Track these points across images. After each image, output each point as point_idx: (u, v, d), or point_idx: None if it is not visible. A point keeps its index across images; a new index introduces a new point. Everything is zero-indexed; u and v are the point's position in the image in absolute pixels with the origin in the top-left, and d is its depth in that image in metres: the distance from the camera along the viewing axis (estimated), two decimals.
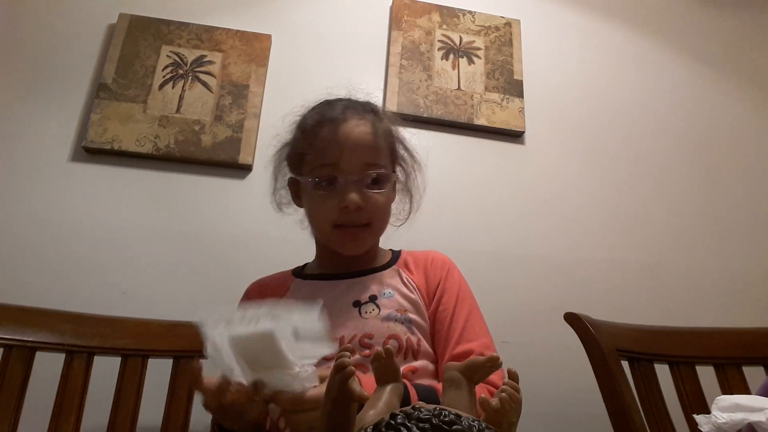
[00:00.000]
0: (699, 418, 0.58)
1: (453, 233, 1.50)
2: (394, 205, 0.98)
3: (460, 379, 0.50)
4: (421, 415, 0.39)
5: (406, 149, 0.99)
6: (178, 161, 1.45)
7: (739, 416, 0.55)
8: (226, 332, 0.62)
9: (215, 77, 1.53)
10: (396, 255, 0.99)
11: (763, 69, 1.90)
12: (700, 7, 1.95)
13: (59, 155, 1.42)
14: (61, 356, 0.98)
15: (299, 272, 0.99)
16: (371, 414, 0.47)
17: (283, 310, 0.64)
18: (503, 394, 0.46)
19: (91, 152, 1.42)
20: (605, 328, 1.00)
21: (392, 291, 0.89)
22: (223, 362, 0.61)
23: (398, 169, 0.98)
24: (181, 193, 1.43)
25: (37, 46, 1.52)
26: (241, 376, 0.62)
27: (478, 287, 1.45)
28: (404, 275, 0.93)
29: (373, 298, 0.87)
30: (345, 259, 0.93)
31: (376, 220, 0.91)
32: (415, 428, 0.38)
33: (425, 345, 0.85)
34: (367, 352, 0.80)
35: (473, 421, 0.39)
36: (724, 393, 0.99)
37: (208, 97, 1.51)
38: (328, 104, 0.95)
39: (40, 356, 0.97)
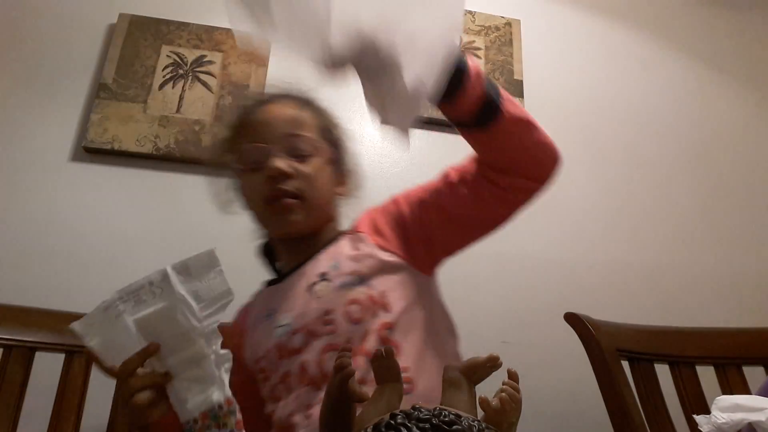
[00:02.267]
0: (699, 419, 0.58)
1: None
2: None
3: (460, 379, 0.50)
4: (421, 415, 0.39)
5: (339, 136, 0.91)
6: (178, 161, 1.44)
7: (739, 416, 0.55)
8: (128, 316, 0.62)
9: (215, 77, 1.53)
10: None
11: (764, 69, 1.90)
12: (700, 7, 1.94)
13: (59, 155, 1.42)
14: (61, 356, 0.98)
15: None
16: (371, 414, 0.47)
17: (179, 274, 0.65)
18: (503, 394, 0.46)
19: (91, 152, 1.42)
20: (605, 328, 1.00)
21: (337, 262, 0.81)
22: (127, 349, 0.61)
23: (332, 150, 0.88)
24: (181, 193, 1.43)
25: (37, 46, 1.52)
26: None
27: (477, 287, 1.48)
28: (351, 236, 0.85)
29: (323, 276, 0.80)
30: (300, 250, 0.85)
31: (308, 194, 0.82)
32: (415, 428, 0.38)
33: (393, 292, 0.78)
34: (329, 327, 0.75)
35: (473, 421, 0.40)
36: (724, 393, 0.99)
37: (208, 97, 1.51)
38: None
39: (40, 356, 0.97)
